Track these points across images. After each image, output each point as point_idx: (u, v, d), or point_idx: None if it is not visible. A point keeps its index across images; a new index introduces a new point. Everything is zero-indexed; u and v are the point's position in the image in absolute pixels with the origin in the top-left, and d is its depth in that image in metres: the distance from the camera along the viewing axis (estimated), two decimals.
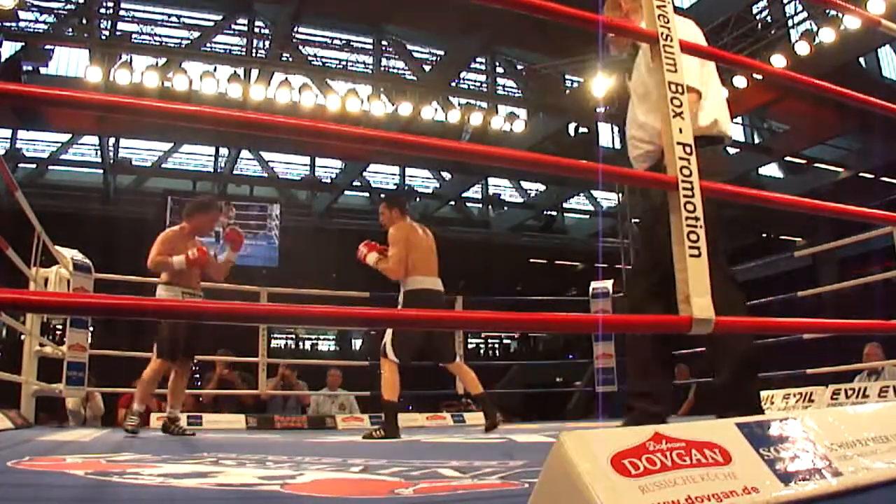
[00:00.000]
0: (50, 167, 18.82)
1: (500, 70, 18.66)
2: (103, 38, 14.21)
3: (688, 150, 2.29)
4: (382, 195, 21.50)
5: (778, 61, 11.89)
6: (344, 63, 17.07)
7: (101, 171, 19.28)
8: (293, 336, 23.57)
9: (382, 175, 21.67)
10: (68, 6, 13.78)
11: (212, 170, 19.95)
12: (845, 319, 2.92)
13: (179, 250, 6.27)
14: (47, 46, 13.13)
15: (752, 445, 1.46)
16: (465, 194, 22.36)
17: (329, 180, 20.89)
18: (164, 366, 6.23)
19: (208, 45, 15.78)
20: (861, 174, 18.91)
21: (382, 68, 17.32)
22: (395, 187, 21.64)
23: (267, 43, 16.23)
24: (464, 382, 6.72)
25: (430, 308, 6.15)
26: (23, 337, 7.58)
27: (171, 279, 6.28)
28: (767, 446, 1.47)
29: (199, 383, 10.10)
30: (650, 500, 1.26)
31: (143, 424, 6.35)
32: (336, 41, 17.33)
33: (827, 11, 11.58)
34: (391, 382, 6.16)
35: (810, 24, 12.28)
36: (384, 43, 17.52)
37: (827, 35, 11.64)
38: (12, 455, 3.47)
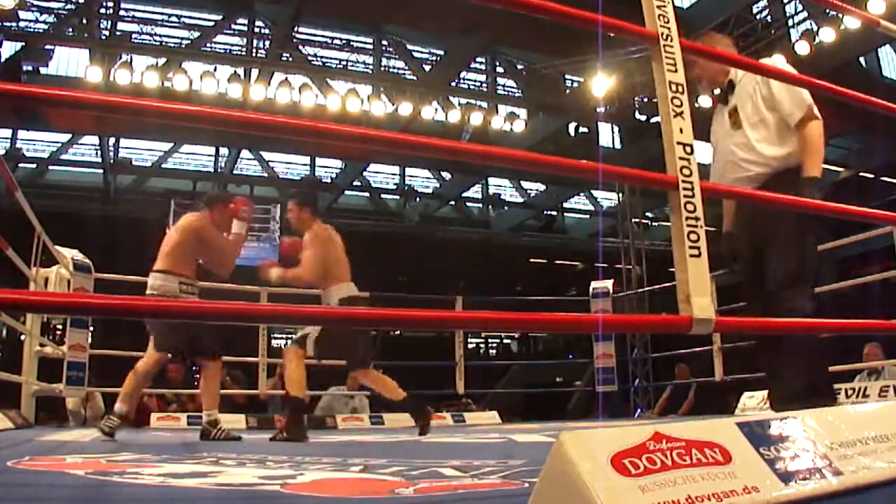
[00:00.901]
0: (50, 167, 18.80)
1: (500, 70, 18.65)
2: (103, 38, 14.20)
3: (688, 149, 2.29)
4: (381, 195, 21.50)
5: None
6: (344, 63, 17.06)
7: (102, 171, 19.25)
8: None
9: (383, 175, 21.65)
10: (68, 6, 13.78)
11: (212, 170, 19.94)
12: (845, 319, 2.92)
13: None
14: (47, 46, 13.12)
15: (753, 445, 1.46)
16: (465, 194, 22.34)
17: (329, 180, 20.88)
18: (162, 360, 5.73)
19: (208, 45, 15.76)
20: (861, 174, 18.90)
21: (382, 68, 17.30)
22: (395, 187, 21.63)
23: (267, 43, 16.21)
24: (381, 391, 6.18)
25: None
26: (23, 337, 7.58)
27: (170, 268, 5.65)
28: (768, 446, 1.47)
29: (197, 384, 10.08)
30: (650, 499, 1.26)
31: (123, 426, 5.51)
32: (336, 41, 17.32)
33: (827, 11, 11.59)
34: (300, 377, 5.73)
35: (810, 24, 12.28)
36: (384, 43, 17.51)
37: (827, 35, 11.64)
38: (12, 455, 3.47)
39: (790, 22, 12.78)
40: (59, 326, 10.50)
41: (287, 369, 5.81)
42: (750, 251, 4.14)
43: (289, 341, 6.17)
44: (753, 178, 3.94)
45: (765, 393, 8.08)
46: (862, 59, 15.35)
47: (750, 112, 4.05)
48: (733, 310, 8.92)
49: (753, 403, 8.15)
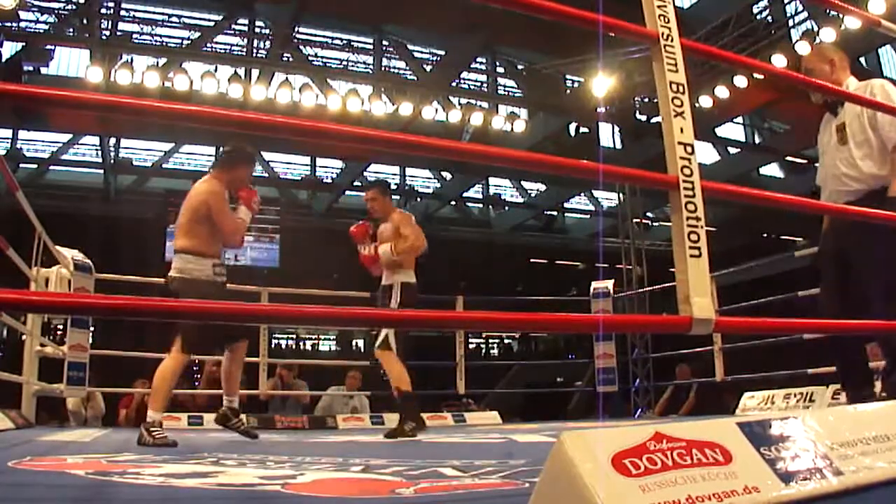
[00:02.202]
0: (51, 167, 18.80)
1: (500, 70, 18.66)
2: (104, 38, 14.20)
3: (689, 149, 2.29)
4: (408, 193, 21.43)
5: (779, 61, 11.89)
6: (345, 63, 17.07)
7: (102, 171, 19.26)
8: (294, 336, 23.54)
9: (383, 175, 21.65)
10: (69, 6, 13.77)
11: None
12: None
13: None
14: (48, 46, 13.12)
15: (753, 445, 1.46)
16: (465, 194, 22.33)
17: (330, 180, 20.88)
18: (189, 360, 5.19)
19: (209, 45, 15.78)
20: None
21: (383, 68, 17.31)
22: (396, 187, 21.62)
23: (267, 43, 16.23)
24: (392, 377, 6.14)
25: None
26: (24, 337, 7.58)
27: (202, 249, 5.14)
28: (768, 446, 1.47)
29: (197, 384, 10.09)
30: (651, 499, 1.26)
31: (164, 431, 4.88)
32: (337, 41, 17.33)
33: (827, 11, 11.57)
34: (402, 372, 5.96)
35: (811, 24, 12.27)
36: (385, 43, 17.52)
37: (827, 35, 11.62)
38: (13, 455, 3.47)
39: (791, 22, 12.76)
40: (60, 326, 10.51)
41: (388, 370, 5.96)
42: (839, 259, 4.27)
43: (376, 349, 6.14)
44: (851, 192, 4.13)
45: (767, 393, 8.10)
46: (863, 60, 15.33)
47: (857, 130, 4.19)
48: (733, 310, 8.93)
49: (754, 403, 8.16)
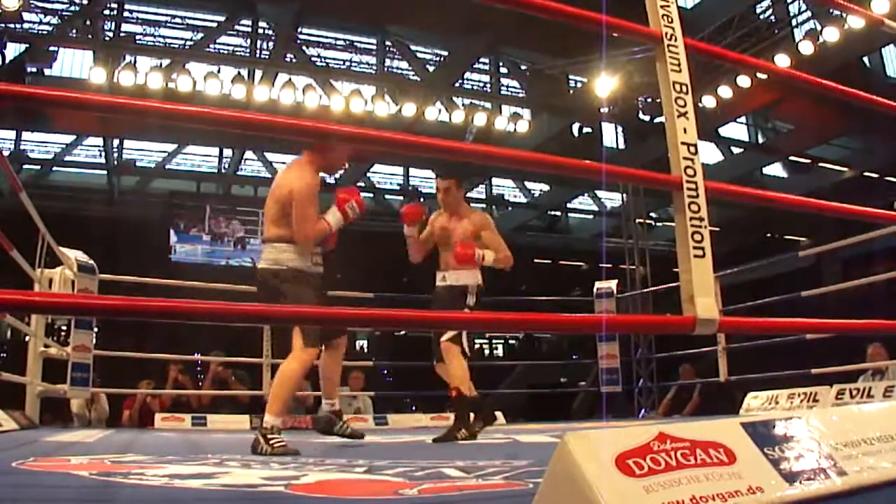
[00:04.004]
0: (54, 168, 18.82)
1: (503, 70, 18.65)
2: (107, 39, 14.23)
3: (692, 149, 2.29)
4: (385, 195, 21.39)
5: (782, 61, 11.88)
6: (348, 64, 17.07)
7: (106, 172, 19.28)
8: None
9: (386, 175, 21.65)
10: (72, 8, 13.81)
11: (216, 171, 19.93)
12: (849, 319, 2.91)
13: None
14: (51, 48, 13.14)
15: (757, 445, 1.46)
16: (468, 194, 22.33)
17: (333, 181, 20.87)
18: (316, 356, 4.70)
19: (212, 46, 15.79)
20: (865, 174, 18.88)
21: (386, 69, 17.31)
22: (398, 187, 21.62)
23: (270, 44, 16.23)
24: (450, 376, 5.66)
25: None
26: (28, 338, 7.59)
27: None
28: (772, 446, 1.47)
29: (201, 384, 10.10)
30: (655, 499, 1.26)
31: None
32: (339, 42, 17.34)
33: (831, 11, 11.57)
34: (464, 371, 5.55)
35: (814, 24, 12.27)
36: (388, 43, 17.52)
37: (831, 34, 11.62)
38: (17, 455, 3.47)
39: (794, 22, 12.75)
40: (64, 327, 10.53)
41: (448, 366, 5.56)
42: None
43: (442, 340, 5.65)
44: None
45: (771, 393, 8.09)
46: (866, 59, 15.33)
47: None
48: (737, 310, 8.92)
49: (757, 404, 8.15)
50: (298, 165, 4.75)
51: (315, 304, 4.49)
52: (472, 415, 5.60)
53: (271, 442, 4.12)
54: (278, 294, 4.49)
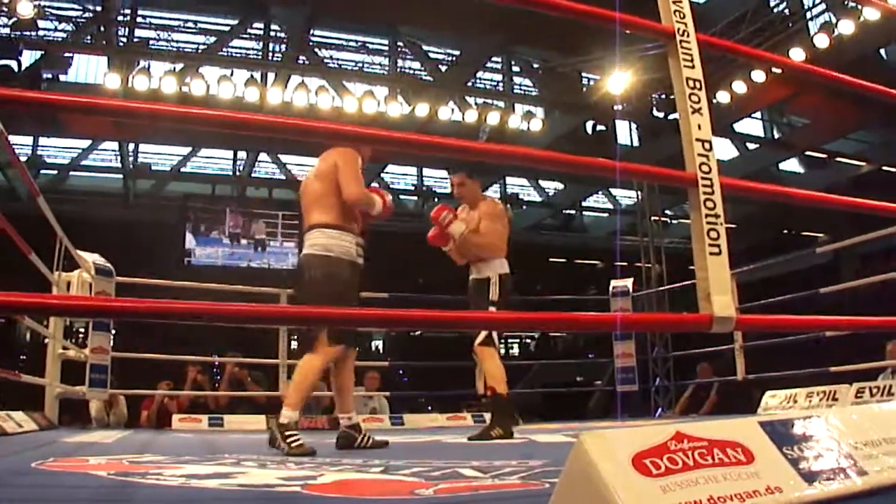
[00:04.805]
0: (71, 173, 18.90)
1: (516, 69, 18.62)
2: (121, 45, 14.27)
3: (706, 146, 2.28)
4: (399, 196, 21.40)
5: (797, 55, 11.83)
6: (360, 65, 17.07)
7: (121, 176, 19.37)
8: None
9: (400, 175, 21.64)
10: (86, 14, 13.85)
11: (230, 173, 19.97)
12: (868, 316, 2.90)
13: None
14: (66, 54, 13.21)
15: (776, 444, 1.45)
16: (483, 194, 22.27)
17: None
18: (339, 353, 4.63)
19: (225, 49, 15.81)
20: (883, 168, 18.77)
21: (398, 69, 17.31)
22: (412, 188, 21.59)
23: (283, 46, 16.25)
24: (488, 374, 5.71)
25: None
26: (46, 340, 7.64)
27: (342, 222, 4.53)
28: (791, 445, 1.46)
29: (217, 385, 10.13)
30: (672, 499, 1.25)
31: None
32: (351, 43, 17.34)
33: (845, 3, 11.51)
34: (500, 372, 5.57)
35: (829, 17, 12.20)
36: (400, 44, 17.51)
37: (846, 27, 11.55)
38: (37, 456, 3.50)
39: (808, 15, 12.69)
40: (82, 330, 10.57)
41: (485, 368, 5.60)
42: None
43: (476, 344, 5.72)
44: None
45: (789, 392, 8.05)
46: (882, 51, 15.23)
47: None
48: (754, 307, 8.89)
49: (776, 402, 8.11)
50: (338, 148, 4.60)
51: (356, 295, 4.49)
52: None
53: (289, 441, 4.03)
54: (321, 280, 4.40)
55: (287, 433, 4.07)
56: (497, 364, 5.58)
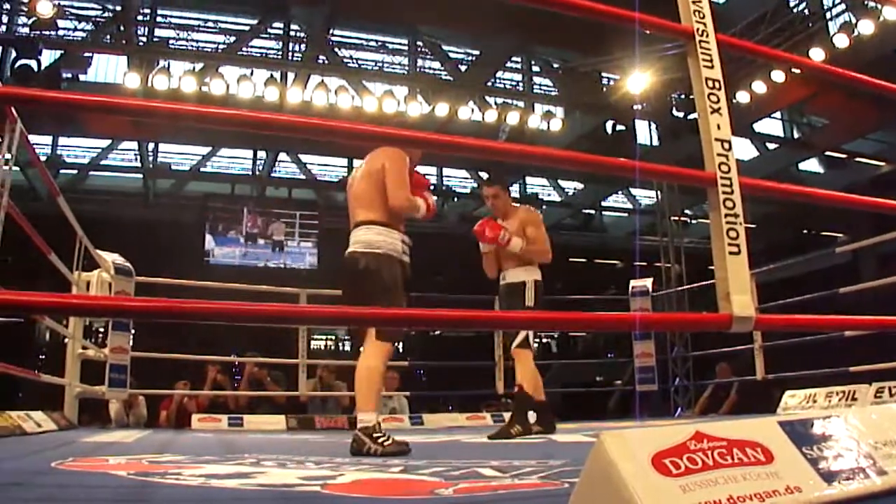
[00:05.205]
0: (90, 172, 18.96)
1: (535, 69, 18.59)
2: (141, 44, 14.31)
3: (726, 146, 2.28)
4: (445, 193, 21.34)
5: (816, 55, 11.77)
6: (380, 65, 17.08)
7: (141, 175, 19.43)
8: (333, 337, 23.59)
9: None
10: (106, 14, 13.92)
11: (250, 173, 20.02)
12: (887, 316, 2.88)
13: None
14: (86, 54, 13.27)
15: (795, 444, 1.44)
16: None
17: None
18: (391, 351, 4.48)
19: (244, 49, 15.85)
20: None
21: (418, 69, 17.31)
22: (433, 187, 21.59)
23: (303, 46, 16.27)
24: (523, 380, 5.73)
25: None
26: (66, 340, 7.68)
27: (390, 220, 4.51)
28: (810, 445, 1.46)
29: (237, 385, 10.17)
30: (691, 499, 1.25)
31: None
32: (371, 43, 17.35)
33: (865, 3, 11.45)
34: (534, 375, 5.69)
35: (848, 17, 12.14)
36: (419, 44, 17.51)
37: (866, 27, 11.49)
38: (57, 456, 3.52)
39: (828, 15, 12.63)
40: (102, 329, 10.65)
41: (521, 370, 5.66)
42: None
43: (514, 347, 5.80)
44: None
45: (808, 392, 8.02)
46: None
47: None
48: (774, 307, 8.85)
49: (795, 402, 8.08)
50: (386, 149, 4.54)
51: (404, 293, 4.45)
52: (532, 415, 5.70)
53: (380, 440, 3.95)
54: (367, 277, 4.36)
55: (375, 434, 3.99)
56: (531, 367, 5.69)
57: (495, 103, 15.74)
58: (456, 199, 21.74)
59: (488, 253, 6.00)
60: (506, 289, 5.98)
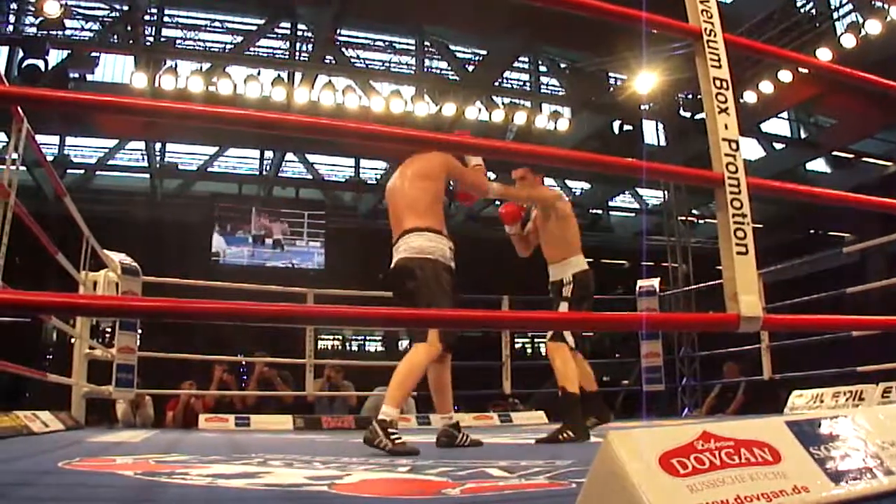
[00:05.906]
0: (98, 172, 18.99)
1: (543, 69, 18.57)
2: (148, 44, 14.32)
3: (733, 146, 2.28)
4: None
5: (824, 54, 11.75)
6: (387, 65, 17.08)
7: (148, 175, 19.46)
8: (340, 337, 23.60)
9: None
10: (113, 14, 13.93)
11: (257, 172, 20.04)
12: (895, 316, 2.88)
13: None
14: (93, 54, 13.29)
15: (802, 444, 1.44)
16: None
17: (374, 182, 20.89)
18: (439, 353, 4.59)
19: (251, 49, 15.86)
20: None
21: (425, 69, 17.30)
22: None
23: (310, 46, 16.27)
24: (560, 374, 5.40)
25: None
26: (73, 340, 7.69)
27: (439, 227, 4.65)
28: (817, 445, 1.46)
29: (244, 385, 10.19)
30: (699, 499, 1.25)
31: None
32: (378, 43, 17.35)
33: (873, 3, 11.43)
34: (571, 370, 5.33)
35: (856, 17, 12.12)
36: (426, 44, 17.50)
37: (873, 27, 11.47)
38: (63, 456, 3.52)
39: (835, 15, 12.61)
40: (109, 329, 10.70)
41: (556, 367, 5.35)
42: None
43: (547, 339, 5.65)
44: None
45: (815, 392, 8.01)
46: None
47: None
48: (781, 307, 8.84)
49: (802, 402, 8.07)
50: (436, 155, 4.44)
51: (455, 297, 4.49)
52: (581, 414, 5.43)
53: (392, 437, 3.96)
54: (428, 281, 4.40)
55: (390, 430, 4.00)
56: (566, 361, 5.35)
57: (502, 103, 15.74)
58: None
59: (514, 235, 6.02)
60: (550, 286, 5.91)
